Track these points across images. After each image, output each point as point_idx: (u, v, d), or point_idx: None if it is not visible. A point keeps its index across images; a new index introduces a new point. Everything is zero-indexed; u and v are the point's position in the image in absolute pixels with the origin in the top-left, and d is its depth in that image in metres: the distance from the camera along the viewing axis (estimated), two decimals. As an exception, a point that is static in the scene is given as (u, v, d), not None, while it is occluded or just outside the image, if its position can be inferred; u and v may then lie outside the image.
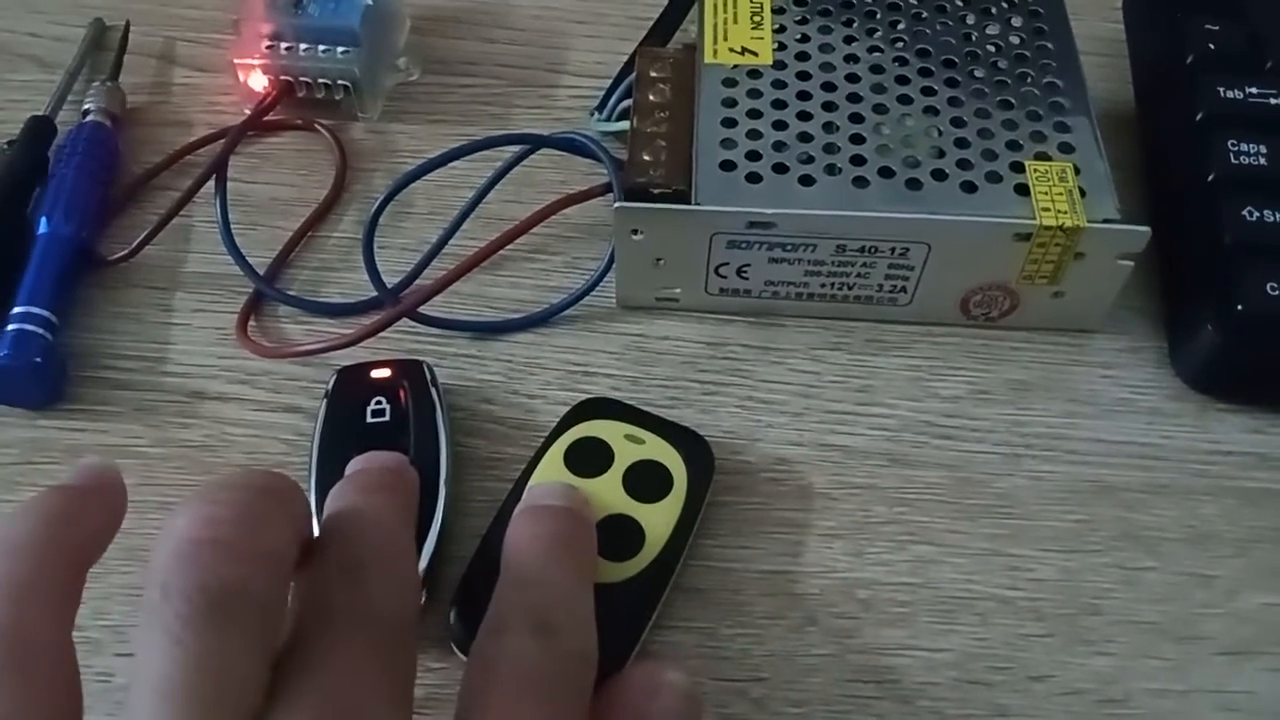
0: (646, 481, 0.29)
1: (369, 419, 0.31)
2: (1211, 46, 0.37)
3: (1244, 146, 0.34)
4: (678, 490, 0.29)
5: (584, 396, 0.33)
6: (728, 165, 0.32)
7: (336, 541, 0.23)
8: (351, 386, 0.31)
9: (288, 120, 0.40)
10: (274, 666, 0.20)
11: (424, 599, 0.27)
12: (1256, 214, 0.33)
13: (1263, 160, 0.34)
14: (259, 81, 0.39)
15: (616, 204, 0.32)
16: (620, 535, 0.28)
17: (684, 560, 0.29)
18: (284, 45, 0.39)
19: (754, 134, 0.33)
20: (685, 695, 0.23)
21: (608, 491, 0.29)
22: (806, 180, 0.32)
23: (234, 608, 0.19)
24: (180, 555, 0.20)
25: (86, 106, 0.39)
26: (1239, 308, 0.32)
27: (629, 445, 0.30)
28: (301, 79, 0.39)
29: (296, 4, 0.39)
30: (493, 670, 0.22)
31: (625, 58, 0.40)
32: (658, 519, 0.29)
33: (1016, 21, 0.36)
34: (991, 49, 0.36)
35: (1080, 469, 0.32)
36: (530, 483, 0.29)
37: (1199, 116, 0.36)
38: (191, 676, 0.18)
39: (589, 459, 0.30)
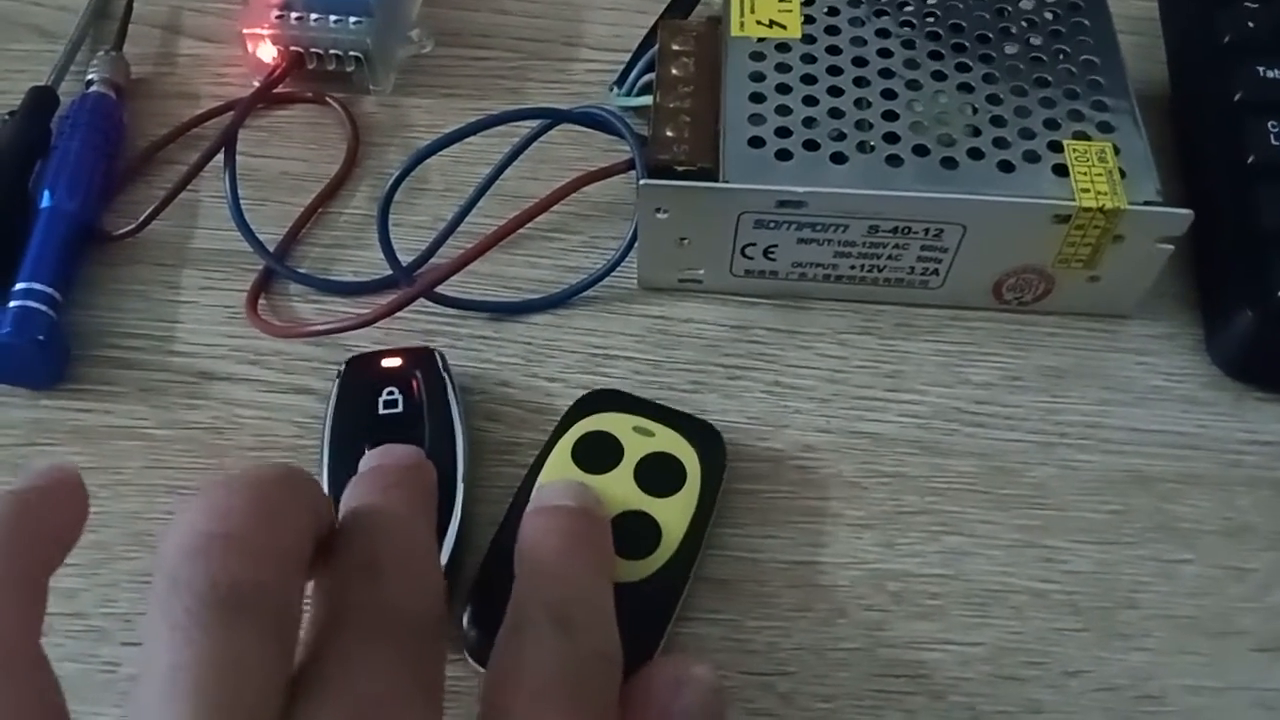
0: (659, 475, 0.29)
1: (381, 410, 0.30)
2: (1250, 25, 0.36)
3: (1285, 129, 0.33)
4: (691, 482, 0.29)
5: (604, 381, 0.32)
6: (756, 142, 0.31)
7: (355, 540, 0.22)
8: (362, 376, 0.30)
9: (298, 93, 0.39)
10: (295, 668, 0.19)
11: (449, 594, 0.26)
12: (1297, 198, 0.32)
13: (1305, 143, 0.33)
14: (268, 52, 0.38)
15: (641, 181, 0.31)
16: (636, 532, 0.27)
17: (703, 552, 0.28)
18: (294, 15, 0.38)
19: (783, 109, 0.32)
20: (710, 689, 0.22)
21: (620, 487, 0.28)
22: (838, 158, 0.31)
23: (247, 604, 0.18)
24: (191, 549, 0.19)
25: (90, 77, 0.38)
26: (1278, 294, 0.31)
27: (638, 438, 0.29)
28: (312, 50, 0.38)
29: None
30: (514, 670, 0.21)
31: (644, 31, 0.39)
32: (673, 512, 0.28)
33: (1051, -3, 0.35)
34: (1025, 24, 0.34)
35: (1115, 458, 0.31)
36: (539, 482, 0.28)
37: (1237, 97, 0.35)
38: (202, 675, 0.17)
39: (598, 454, 0.29)
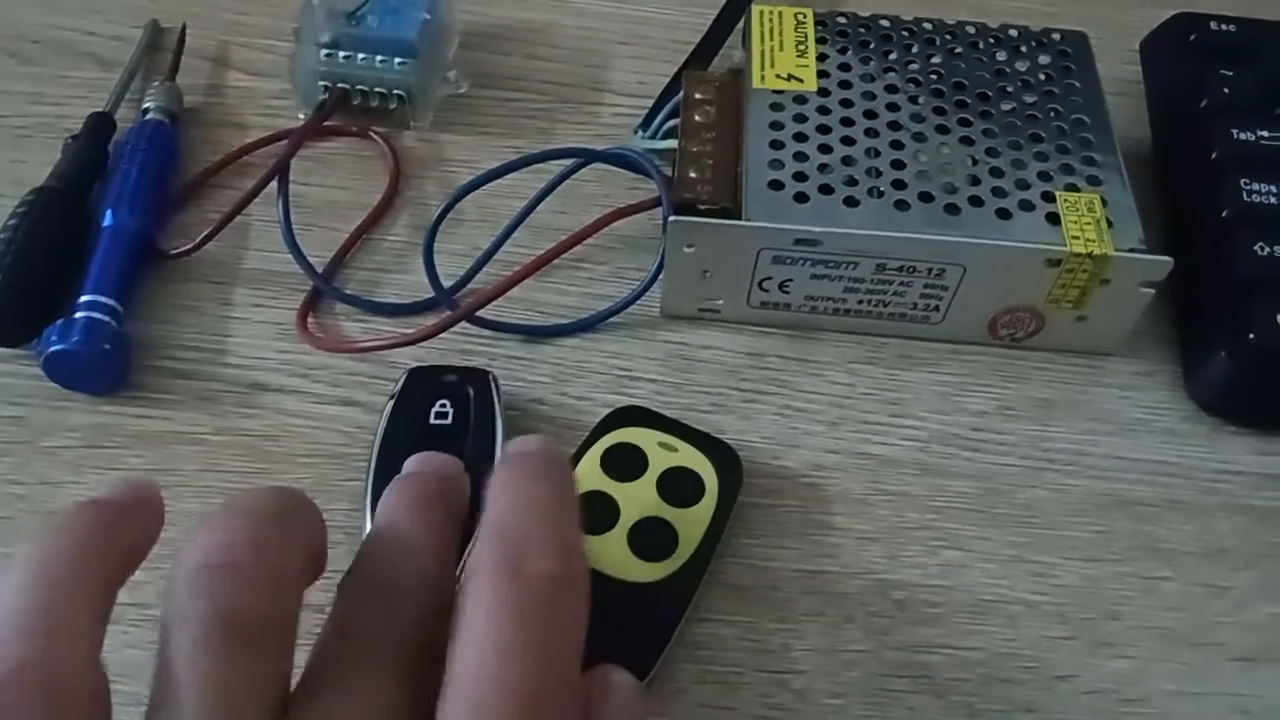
0: (680, 487, 0.31)
1: (432, 420, 0.32)
2: (1226, 91, 0.39)
3: (1256, 186, 0.36)
4: (709, 495, 0.31)
5: (629, 401, 0.34)
6: (776, 185, 0.34)
7: (368, 564, 0.22)
8: (420, 387, 0.33)
9: (344, 127, 0.41)
10: (295, 686, 0.20)
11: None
12: (1268, 249, 0.35)
13: (1274, 199, 0.36)
14: (316, 88, 0.41)
15: (671, 218, 0.33)
16: (656, 537, 0.30)
17: (716, 560, 0.30)
18: (342, 54, 0.40)
19: (800, 156, 0.35)
20: (634, 693, 0.22)
21: (644, 494, 0.31)
22: (851, 201, 0.34)
23: (249, 632, 0.19)
24: (193, 582, 0.19)
25: (146, 105, 0.40)
26: (1251, 337, 0.34)
27: (662, 452, 0.32)
28: (358, 87, 0.40)
29: (355, 15, 0.40)
30: (461, 624, 0.20)
31: (666, 79, 0.42)
32: (691, 523, 0.30)
33: (1044, 59, 0.39)
34: (1022, 85, 0.38)
35: (1100, 483, 0.34)
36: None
37: (1214, 156, 0.38)
38: (203, 700, 0.18)
39: (625, 464, 0.31)
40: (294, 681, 0.20)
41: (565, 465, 0.24)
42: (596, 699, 0.21)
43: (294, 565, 0.21)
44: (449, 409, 0.32)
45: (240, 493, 0.22)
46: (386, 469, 0.30)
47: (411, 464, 0.27)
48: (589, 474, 0.31)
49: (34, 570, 0.18)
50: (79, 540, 0.19)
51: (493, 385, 0.33)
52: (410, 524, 0.24)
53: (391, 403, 0.32)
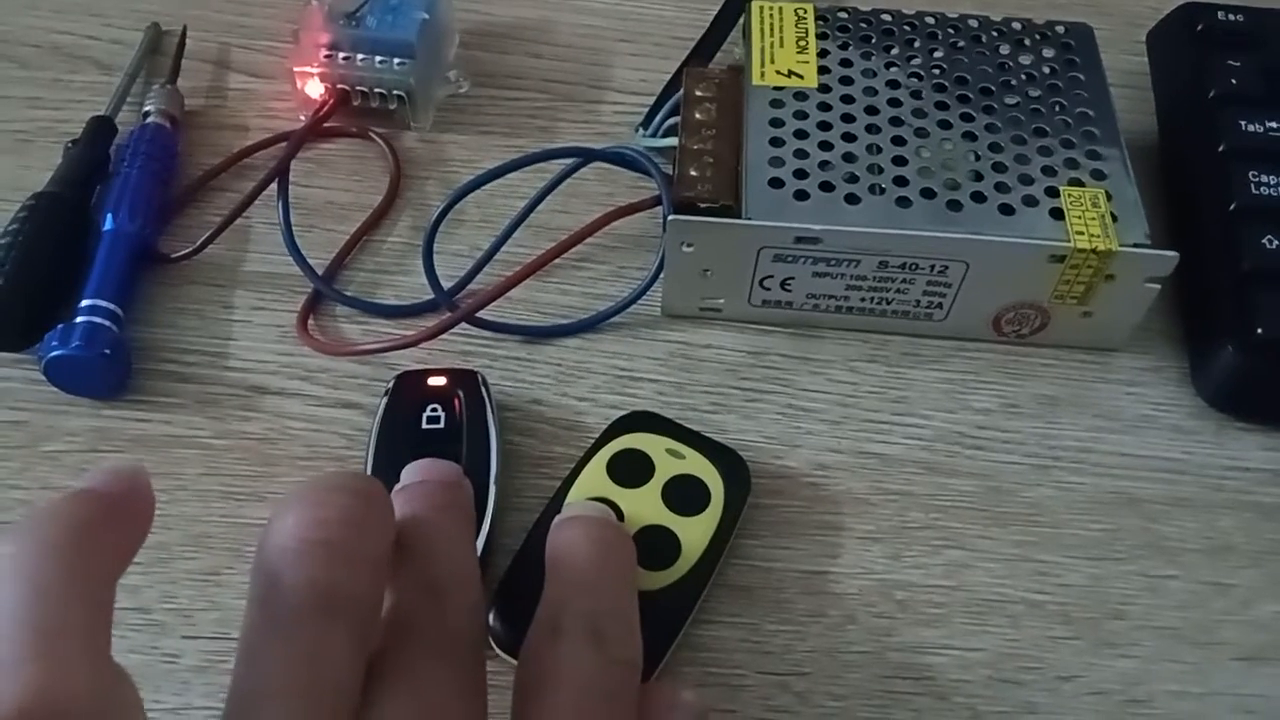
0: (685, 495, 0.31)
1: (424, 425, 0.32)
2: (1233, 82, 0.39)
3: (1264, 178, 0.36)
4: (714, 506, 0.31)
5: (630, 401, 0.34)
6: (776, 182, 0.34)
7: (417, 560, 0.23)
8: (409, 392, 0.32)
9: (343, 128, 0.41)
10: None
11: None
12: (1276, 242, 0.35)
13: (1282, 192, 0.36)
14: (315, 89, 0.41)
15: (671, 216, 0.33)
16: (656, 545, 0.30)
17: (719, 569, 0.30)
18: (342, 55, 0.40)
19: (801, 153, 0.35)
20: (699, 713, 0.24)
21: (647, 502, 0.30)
22: (852, 199, 0.33)
23: (341, 607, 0.20)
24: (291, 552, 0.20)
25: (147, 108, 0.40)
26: (1259, 331, 0.33)
27: (670, 459, 0.31)
28: (358, 88, 0.40)
29: (355, 16, 0.40)
30: (551, 675, 0.23)
31: (668, 76, 0.42)
32: (694, 532, 0.30)
33: (1048, 53, 0.38)
34: (1025, 78, 0.37)
35: (1105, 480, 0.33)
36: (569, 499, 0.30)
37: (1221, 148, 0.37)
38: (299, 671, 0.19)
39: (630, 470, 0.31)
40: None
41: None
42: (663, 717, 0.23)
43: (383, 547, 0.22)
44: (440, 413, 0.32)
45: (327, 472, 0.23)
46: (382, 479, 0.30)
47: (413, 472, 0.27)
48: (594, 479, 0.31)
49: (24, 581, 0.17)
50: (69, 538, 0.18)
51: (482, 386, 0.33)
52: (439, 523, 0.24)
53: (382, 409, 0.32)
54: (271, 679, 0.19)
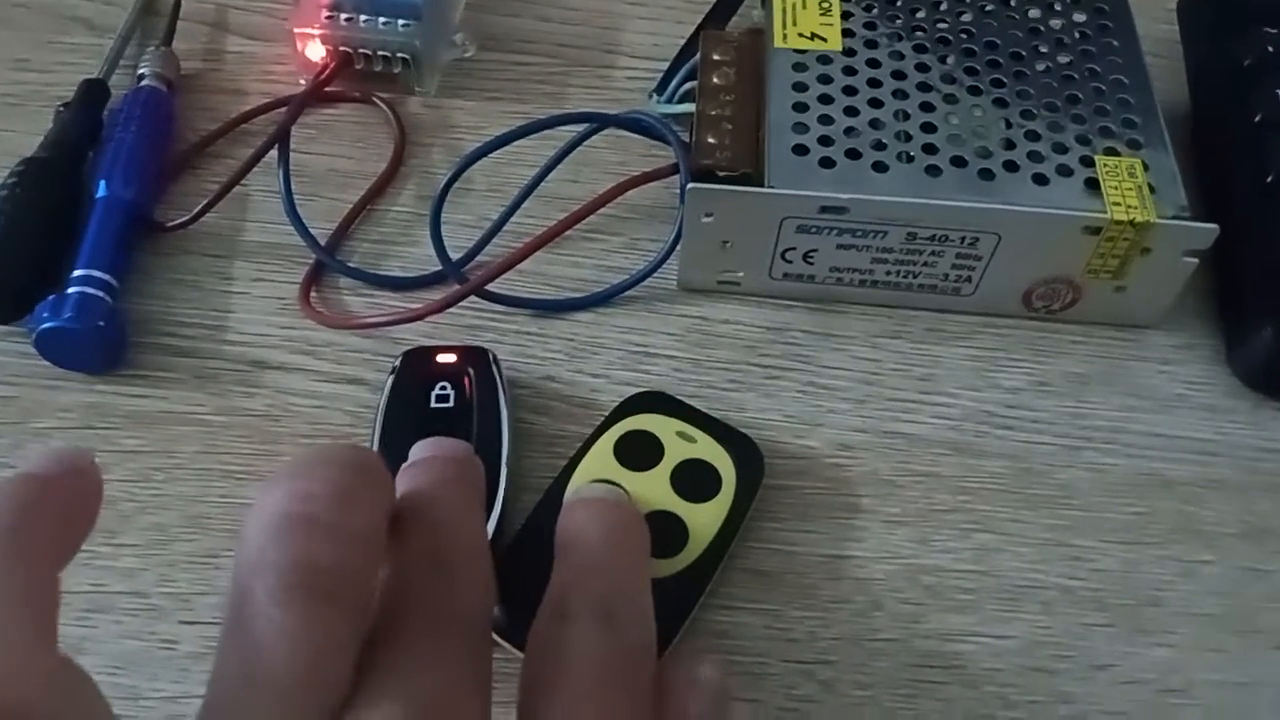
0: (694, 481, 0.29)
1: (433, 404, 0.30)
2: (1270, 50, 0.37)
3: (1304, 149, 0.35)
4: (725, 493, 0.29)
5: (645, 378, 0.33)
6: (800, 149, 0.32)
7: (421, 533, 0.22)
8: (417, 369, 0.31)
9: (345, 92, 0.40)
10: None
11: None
12: (1316, 216, 0.33)
13: (1323, 163, 0.34)
14: (316, 52, 0.39)
15: (690, 185, 0.32)
16: (663, 532, 0.28)
17: (736, 545, 0.29)
18: (344, 16, 0.39)
19: (825, 119, 0.33)
20: (719, 688, 0.23)
21: (654, 487, 0.29)
22: (880, 166, 0.32)
23: (329, 587, 0.19)
24: (276, 531, 0.19)
25: (141, 71, 0.39)
26: (1299, 310, 0.32)
27: (680, 442, 0.30)
28: (360, 50, 0.39)
29: (358, -25, 0.39)
30: (561, 661, 0.22)
31: (681, 40, 0.40)
32: (703, 520, 0.29)
33: (1080, 17, 0.37)
34: (1057, 44, 0.36)
35: (1139, 462, 0.32)
36: (574, 482, 0.29)
37: (1258, 118, 0.36)
38: (283, 653, 0.18)
39: (638, 452, 0.30)
40: None
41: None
42: (684, 693, 0.22)
43: (375, 520, 0.21)
44: (450, 391, 0.30)
45: (319, 445, 0.22)
46: (390, 460, 0.29)
47: (421, 449, 0.26)
48: (600, 461, 0.30)
49: None
50: (5, 522, 0.17)
51: (493, 363, 0.31)
52: (444, 496, 0.23)
53: (389, 388, 0.31)
54: (248, 665, 0.18)
